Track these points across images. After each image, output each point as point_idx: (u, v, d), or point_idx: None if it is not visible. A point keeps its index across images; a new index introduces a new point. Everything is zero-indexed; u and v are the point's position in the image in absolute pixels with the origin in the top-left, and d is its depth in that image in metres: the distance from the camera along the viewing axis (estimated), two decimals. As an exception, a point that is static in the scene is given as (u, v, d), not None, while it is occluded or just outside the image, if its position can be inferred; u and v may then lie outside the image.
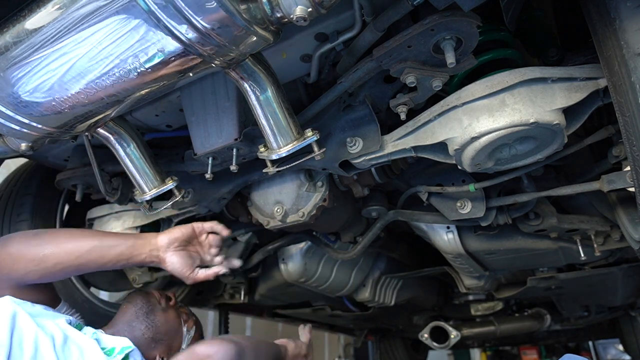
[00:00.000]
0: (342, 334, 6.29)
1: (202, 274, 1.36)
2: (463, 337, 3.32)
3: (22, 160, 2.11)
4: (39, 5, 0.90)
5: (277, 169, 1.32)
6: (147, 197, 1.39)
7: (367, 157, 1.33)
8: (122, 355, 1.17)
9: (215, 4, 0.79)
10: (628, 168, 1.24)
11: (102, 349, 1.16)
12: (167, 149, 1.62)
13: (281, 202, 1.58)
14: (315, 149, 1.24)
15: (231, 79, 1.08)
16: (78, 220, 2.02)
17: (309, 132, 1.21)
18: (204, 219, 2.13)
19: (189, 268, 1.33)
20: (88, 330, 1.24)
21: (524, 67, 1.11)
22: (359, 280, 2.50)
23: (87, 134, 1.27)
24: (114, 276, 2.15)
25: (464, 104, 1.14)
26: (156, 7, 0.81)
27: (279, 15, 0.87)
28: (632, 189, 1.25)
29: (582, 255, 1.79)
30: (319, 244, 1.99)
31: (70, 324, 1.20)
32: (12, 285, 1.21)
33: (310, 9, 0.85)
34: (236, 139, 1.29)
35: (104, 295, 2.35)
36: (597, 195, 1.57)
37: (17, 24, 0.92)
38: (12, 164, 2.11)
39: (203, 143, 1.35)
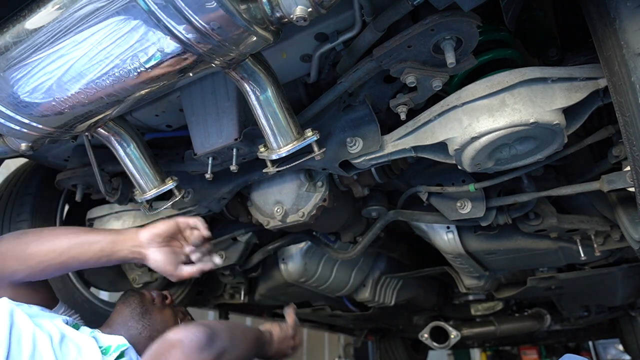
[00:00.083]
0: (342, 334, 6.29)
1: (187, 271, 1.30)
2: (463, 337, 3.32)
3: (22, 160, 2.11)
4: (39, 5, 0.90)
5: (277, 169, 1.32)
6: (147, 197, 1.39)
7: (367, 157, 1.33)
8: (118, 353, 1.17)
9: (215, 3, 0.79)
10: (628, 168, 1.24)
11: (99, 347, 1.16)
12: (167, 149, 1.62)
13: (281, 202, 1.58)
14: (315, 149, 1.24)
15: (231, 79, 1.08)
16: (78, 220, 2.02)
17: (309, 132, 1.21)
18: (204, 218, 2.14)
19: (172, 265, 1.28)
20: (85, 330, 1.24)
21: (524, 67, 1.11)
22: (359, 280, 2.50)
23: (87, 134, 1.27)
24: (114, 276, 2.15)
25: (464, 104, 1.14)
26: (156, 7, 0.81)
27: (279, 15, 0.87)
28: (632, 189, 1.25)
29: (582, 255, 1.79)
30: (319, 244, 1.99)
31: (67, 324, 1.20)
32: (6, 286, 1.21)
33: (310, 9, 0.85)
34: (236, 139, 1.29)
35: (104, 295, 2.35)
36: (597, 195, 1.57)
37: (17, 24, 0.92)
38: (12, 164, 2.11)
39: (203, 143, 1.35)
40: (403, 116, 1.21)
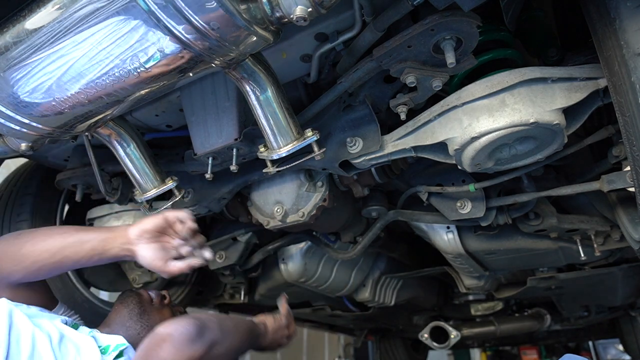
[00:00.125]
0: (342, 334, 6.29)
1: (176, 266, 1.25)
2: (463, 337, 3.32)
3: (22, 160, 2.11)
4: (39, 5, 0.90)
5: (277, 169, 1.32)
6: (147, 197, 1.39)
7: (367, 157, 1.33)
8: (117, 352, 1.17)
9: (215, 3, 0.79)
10: (628, 168, 1.24)
11: (98, 347, 1.16)
12: (167, 149, 1.62)
13: (281, 202, 1.58)
14: (315, 149, 1.24)
15: (231, 79, 1.08)
16: (78, 220, 2.02)
17: (309, 132, 1.21)
18: (204, 218, 2.14)
19: (160, 260, 1.24)
20: (84, 330, 1.24)
21: (524, 67, 1.11)
22: (359, 280, 2.50)
23: (87, 134, 1.27)
24: (114, 276, 2.15)
25: (464, 104, 1.14)
26: (156, 7, 0.81)
27: (279, 15, 0.87)
28: (632, 189, 1.25)
29: (582, 255, 1.79)
30: (319, 244, 1.99)
31: (66, 324, 1.20)
32: (4, 287, 1.21)
33: (310, 9, 0.85)
34: (236, 139, 1.29)
35: (104, 295, 2.35)
36: (597, 195, 1.57)
37: (17, 24, 0.92)
38: (12, 164, 2.11)
39: (203, 143, 1.35)
40: (403, 116, 1.21)
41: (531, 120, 1.07)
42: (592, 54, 1.12)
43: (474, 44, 1.07)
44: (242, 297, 2.54)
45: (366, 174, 1.56)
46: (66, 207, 2.04)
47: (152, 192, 1.38)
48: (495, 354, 6.99)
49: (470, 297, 3.45)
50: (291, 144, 1.19)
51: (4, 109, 1.04)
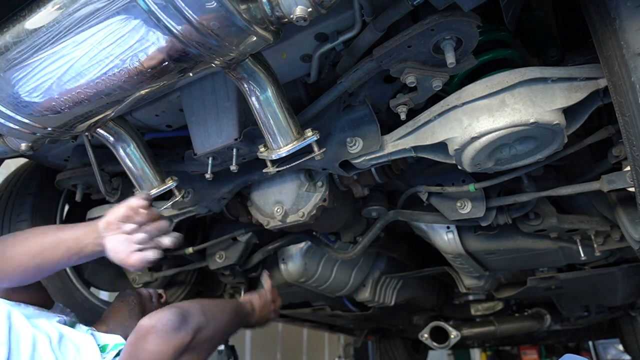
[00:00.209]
0: (342, 334, 6.29)
1: (135, 258, 1.16)
2: (463, 337, 3.32)
3: (22, 160, 2.11)
4: (39, 5, 0.90)
5: (277, 169, 1.32)
6: (147, 197, 1.39)
7: (367, 157, 1.33)
8: (116, 352, 1.17)
9: (215, 3, 0.79)
10: (628, 168, 1.24)
11: (97, 345, 1.16)
12: (167, 149, 1.62)
13: (281, 202, 1.58)
14: (315, 149, 1.24)
15: (231, 79, 1.08)
16: (78, 220, 2.01)
17: (309, 132, 1.21)
18: (204, 218, 2.14)
19: (123, 252, 1.16)
20: (81, 328, 1.24)
21: (524, 67, 1.11)
22: (359, 280, 2.50)
23: (87, 134, 1.27)
24: (114, 276, 2.15)
25: (464, 104, 1.14)
26: (156, 7, 0.81)
27: (279, 15, 0.87)
28: (632, 189, 1.25)
29: (582, 255, 1.79)
30: (319, 244, 1.99)
31: (64, 323, 1.20)
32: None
33: (310, 9, 0.85)
34: (236, 139, 1.29)
35: (104, 295, 2.35)
36: (597, 195, 1.57)
37: (17, 24, 0.92)
38: (12, 164, 2.11)
39: (203, 143, 1.35)
40: (403, 116, 1.21)
41: (531, 120, 1.07)
42: (592, 54, 1.12)
43: (474, 44, 1.07)
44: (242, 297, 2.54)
45: (366, 174, 1.56)
46: (66, 207, 2.04)
47: (152, 192, 1.38)
48: (495, 354, 6.99)
49: (470, 297, 3.45)
50: (291, 144, 1.19)
51: (4, 109, 1.04)
